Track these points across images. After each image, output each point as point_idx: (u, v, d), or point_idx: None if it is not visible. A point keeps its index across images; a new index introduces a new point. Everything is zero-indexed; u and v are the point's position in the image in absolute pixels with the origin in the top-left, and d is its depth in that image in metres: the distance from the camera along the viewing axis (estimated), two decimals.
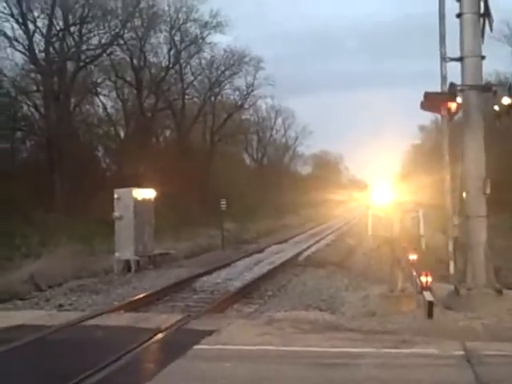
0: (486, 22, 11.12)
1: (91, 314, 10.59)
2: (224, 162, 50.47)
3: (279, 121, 68.32)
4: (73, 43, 34.88)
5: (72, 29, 34.75)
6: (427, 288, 9.37)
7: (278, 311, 11.32)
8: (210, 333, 8.79)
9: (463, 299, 10.69)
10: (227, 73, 46.82)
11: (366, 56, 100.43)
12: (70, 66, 34.82)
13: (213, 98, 47.89)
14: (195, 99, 46.79)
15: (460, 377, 6.89)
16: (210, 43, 43.10)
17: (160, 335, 8.84)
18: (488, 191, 10.98)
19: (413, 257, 9.65)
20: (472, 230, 11.00)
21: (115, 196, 18.52)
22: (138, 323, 9.72)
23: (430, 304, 8.99)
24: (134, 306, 11.80)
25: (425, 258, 14.31)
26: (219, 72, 46.30)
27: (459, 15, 11.15)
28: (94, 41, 36.21)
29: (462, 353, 7.76)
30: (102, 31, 36.43)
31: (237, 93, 49.92)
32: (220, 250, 25.18)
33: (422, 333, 8.97)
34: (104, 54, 36.74)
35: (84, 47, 35.61)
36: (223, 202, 26.22)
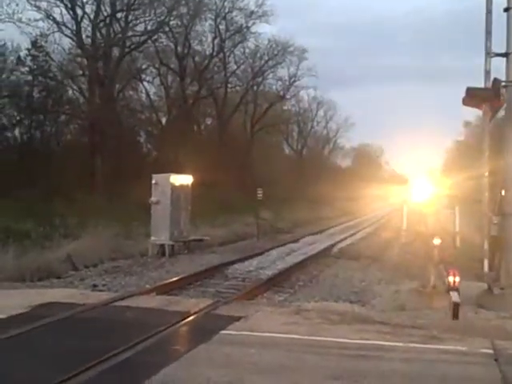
0: None
1: (123, 295, 10.77)
2: (264, 151, 50.54)
3: (321, 112, 68.18)
4: (119, 29, 35.37)
5: (119, 15, 35.26)
6: (454, 288, 9.18)
7: (308, 301, 11.32)
8: (238, 319, 8.87)
9: (496, 298, 10.51)
10: (270, 63, 46.96)
11: (414, 50, 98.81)
12: (116, 51, 35.33)
13: (255, 88, 48.00)
14: (237, 88, 46.90)
15: (486, 375, 6.79)
16: (254, 33, 43.35)
17: (188, 319, 8.94)
18: None
19: (437, 241, 9.43)
20: (509, 228, 10.78)
21: (153, 181, 18.76)
22: (167, 306, 9.85)
23: (456, 305, 8.84)
24: (165, 290, 11.95)
25: (460, 255, 14.19)
26: (262, 62, 46.44)
27: (507, 9, 10.87)
28: (140, 27, 36.73)
29: (490, 351, 7.65)
30: (148, 18, 36.82)
31: (279, 83, 50.07)
32: (255, 239, 25.23)
33: (451, 330, 8.85)
34: (149, 41, 37.15)
35: (130, 33, 36.04)
36: (260, 192, 26.25)
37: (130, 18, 35.60)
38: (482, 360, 7.35)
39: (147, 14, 36.44)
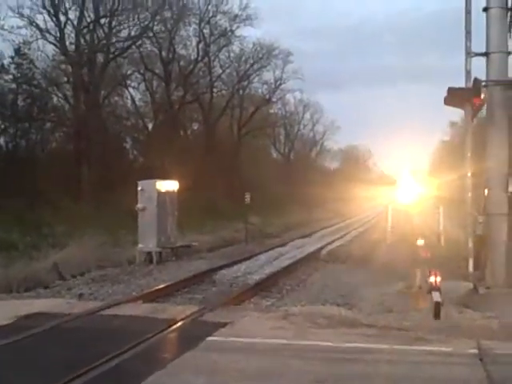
0: None
1: (109, 304, 10.73)
2: (251, 155, 50.56)
3: (307, 115, 68.22)
4: (103, 35, 35.27)
5: (102, 21, 35.19)
6: (436, 288, 9.22)
7: (295, 306, 11.31)
8: (224, 325, 8.86)
9: (482, 298, 10.58)
10: (256, 66, 47.05)
11: (398, 51, 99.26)
12: (100, 57, 35.23)
13: (241, 92, 48.03)
14: (223, 92, 46.92)
15: (471, 375, 6.82)
16: (239, 36, 43.36)
17: (175, 326, 8.92)
18: (510, 189, 10.82)
19: (420, 242, 9.48)
20: (493, 227, 10.87)
21: (139, 188, 18.70)
22: (154, 313, 9.82)
23: (437, 305, 8.88)
24: (152, 297, 11.91)
25: (446, 254, 14.28)
26: (248, 65, 46.47)
27: (486, 9, 10.99)
28: (124, 33, 36.70)
29: (475, 351, 7.69)
30: (131, 23, 36.81)
31: (265, 86, 50.10)
32: (243, 244, 25.22)
33: (437, 331, 8.89)
34: (133, 47, 37.12)
35: (114, 39, 35.99)
36: (247, 196, 26.25)
37: (114, 23, 35.58)
38: (468, 360, 7.38)
39: (131, 20, 36.47)
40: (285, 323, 9.17)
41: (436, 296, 8.89)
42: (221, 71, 45.45)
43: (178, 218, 20.18)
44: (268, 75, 49.27)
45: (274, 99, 52.70)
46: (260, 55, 46.41)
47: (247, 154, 49.57)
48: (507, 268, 10.73)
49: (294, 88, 53.20)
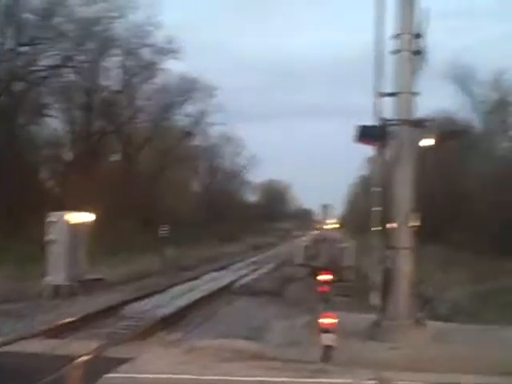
0: (421, 59, 11.43)
1: (8, 340, 10.23)
2: (171, 188, 50.20)
3: (229, 148, 68.60)
4: (22, 63, 34.36)
5: (23, 49, 34.27)
6: (326, 330, 9.20)
7: (203, 339, 11.17)
8: (125, 361, 8.62)
9: (385, 330, 10.81)
10: (179, 99, 46.89)
11: (322, 89, 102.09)
12: (19, 85, 34.26)
13: (163, 124, 47.77)
14: (145, 124, 46.51)
15: None
16: (163, 69, 43.11)
17: (74, 362, 8.59)
18: (412, 223, 11.19)
19: (323, 277, 9.51)
20: (397, 261, 11.17)
21: (49, 219, 18.15)
22: (54, 350, 9.45)
23: (326, 348, 8.90)
24: (55, 333, 11.46)
25: (356, 287, 14.57)
26: (171, 98, 46.30)
27: (394, 52, 11.45)
28: (45, 62, 35.86)
29: (374, 382, 7.81)
30: (53, 53, 36.09)
31: (187, 119, 50.03)
32: (158, 276, 24.84)
33: (339, 362, 9.01)
34: (54, 76, 36.37)
35: (34, 68, 35.14)
36: (164, 228, 25.98)
37: (35, 51, 34.76)
38: None
39: (52, 49, 35.74)
40: (189, 358, 9.04)
41: (326, 338, 8.86)
42: (143, 103, 45.07)
43: (91, 250, 19.67)
44: (191, 108, 49.40)
45: (196, 132, 52.72)
46: (183, 88, 46.45)
47: (168, 186, 49.16)
48: (409, 301, 11.01)
49: (217, 121, 53.50)
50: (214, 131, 59.22)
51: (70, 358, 8.73)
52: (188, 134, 51.28)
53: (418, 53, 11.19)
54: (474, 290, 21.05)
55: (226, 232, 51.64)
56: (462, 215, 32.42)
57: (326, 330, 9.13)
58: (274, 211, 67.44)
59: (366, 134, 11.16)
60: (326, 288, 9.68)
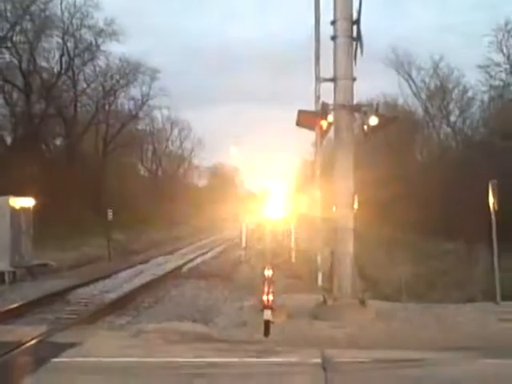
0: (358, 45, 11.65)
1: None
2: (118, 172, 49.60)
3: (175, 132, 68.13)
4: None
5: None
6: (268, 307, 9.48)
7: (150, 323, 11.21)
8: (72, 345, 8.57)
9: (329, 309, 11.08)
10: (122, 82, 46.33)
11: (264, 73, 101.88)
12: None
13: (107, 107, 47.06)
14: (88, 107, 45.71)
15: (312, 383, 7.14)
16: (104, 51, 42.44)
17: (19, 348, 8.52)
18: (354, 206, 11.47)
19: (268, 272, 9.71)
20: (339, 242, 11.44)
21: None
22: None
23: (266, 323, 9.14)
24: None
25: (299, 268, 14.85)
26: (114, 81, 45.65)
27: (333, 38, 11.63)
28: None
29: (319, 360, 8.02)
30: None
31: (131, 102, 49.46)
32: (106, 261, 24.66)
33: (286, 342, 9.22)
34: None
35: None
36: (110, 212, 25.75)
37: None
38: (310, 369, 7.69)
39: None
40: (136, 341, 9.07)
41: (266, 314, 9.10)
42: (85, 85, 44.25)
43: (38, 235, 19.36)
44: (135, 91, 48.82)
45: (140, 115, 52.18)
46: (127, 71, 45.87)
47: (114, 170, 48.55)
48: (353, 280, 11.31)
49: (162, 105, 53.09)
50: (160, 115, 58.88)
51: (16, 344, 8.65)
52: (132, 118, 50.65)
53: (354, 39, 11.36)
54: (418, 271, 21.74)
55: (174, 216, 51.42)
56: (407, 198, 33.26)
57: (265, 306, 9.34)
58: (223, 195, 67.33)
59: (306, 119, 11.33)
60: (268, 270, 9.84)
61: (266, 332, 8.81)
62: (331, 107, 11.38)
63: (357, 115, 11.69)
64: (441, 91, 36.36)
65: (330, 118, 11.27)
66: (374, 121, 11.21)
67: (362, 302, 11.25)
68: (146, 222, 42.94)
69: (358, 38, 11.48)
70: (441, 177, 30.51)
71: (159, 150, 64.73)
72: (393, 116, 29.42)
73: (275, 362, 7.99)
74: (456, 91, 36.15)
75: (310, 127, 11.58)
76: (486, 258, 16.04)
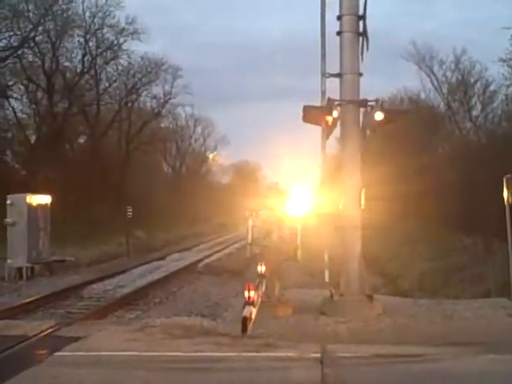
0: (365, 41, 11.58)
1: None
2: (141, 169, 49.97)
3: (198, 130, 68.42)
4: None
5: None
6: (250, 302, 9.43)
7: (158, 318, 11.33)
8: (77, 339, 8.73)
9: (336, 305, 11.07)
10: (144, 80, 46.58)
11: (289, 70, 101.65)
12: None
13: (129, 105, 47.45)
14: (111, 106, 46.11)
15: (307, 378, 7.14)
16: (126, 50, 42.77)
17: (24, 343, 8.69)
18: (363, 202, 11.42)
19: (262, 268, 9.71)
20: (347, 239, 11.41)
21: (8, 202, 18.10)
22: (5, 330, 9.50)
23: (244, 319, 9.10)
24: (9, 314, 11.52)
25: (309, 265, 14.86)
26: (136, 79, 45.97)
27: (339, 33, 11.58)
28: (4, 42, 35.39)
29: (318, 355, 8.03)
30: (11, 33, 35.61)
31: (154, 100, 49.78)
32: (125, 258, 24.93)
33: (288, 337, 9.24)
34: (13, 56, 35.86)
35: None
36: (129, 210, 26.01)
37: None
38: (309, 364, 7.70)
39: (11, 29, 35.21)
40: (140, 335, 9.16)
41: (245, 311, 9.06)
42: (108, 84, 44.68)
43: (59, 232, 19.68)
44: (157, 89, 49.13)
45: (163, 113, 52.51)
46: (149, 69, 46.12)
47: (137, 169, 48.94)
48: (360, 276, 11.28)
49: (185, 103, 53.38)
50: (183, 113, 59.20)
51: (21, 338, 8.84)
52: (155, 116, 50.99)
53: (360, 34, 11.29)
54: (436, 266, 21.60)
55: (196, 213, 51.66)
56: (429, 193, 32.97)
57: (247, 302, 9.33)
58: (246, 191, 67.46)
59: (312, 114, 11.30)
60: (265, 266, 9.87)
61: (244, 329, 8.77)
62: (337, 102, 11.36)
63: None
64: (462, 85, 35.91)
65: (336, 113, 11.23)
66: (379, 116, 11.14)
67: (370, 298, 11.23)
68: (167, 219, 43.21)
69: (364, 33, 11.42)
70: (462, 171, 30.12)
71: (182, 147, 65.04)
72: (401, 110, 29.22)
73: (273, 357, 8.01)
74: (478, 85, 35.71)
75: (316, 123, 11.55)
76: (503, 253, 15.85)
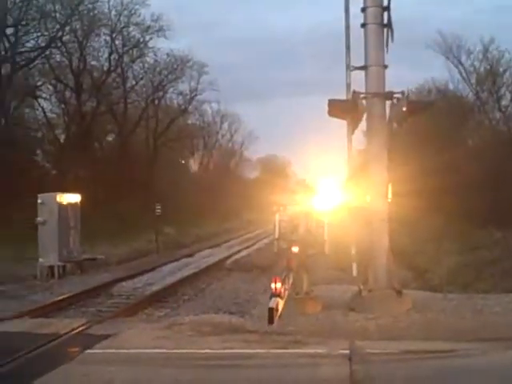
0: (389, 33, 11.45)
1: None
2: (169, 166, 50.26)
3: (225, 126, 68.54)
4: (9, 45, 34.30)
5: (8, 30, 34.18)
6: (277, 294, 9.37)
7: (187, 315, 11.41)
8: (107, 337, 8.85)
9: (365, 300, 11.00)
10: (170, 77, 46.82)
11: (316, 64, 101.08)
12: (7, 68, 34.21)
13: (156, 102, 47.77)
14: (137, 103, 46.47)
15: (335, 374, 7.14)
16: (152, 47, 43.04)
17: (56, 340, 8.83)
18: (390, 196, 11.32)
19: (295, 249, 9.66)
20: (374, 233, 11.32)
21: (39, 201, 18.36)
22: (38, 329, 9.68)
23: (270, 310, 9.05)
24: (42, 312, 11.72)
25: (337, 259, 14.76)
26: (162, 76, 46.22)
27: (363, 25, 11.48)
28: (32, 43, 35.93)
29: (347, 352, 8.00)
30: (39, 34, 36.09)
31: (180, 97, 50.02)
32: (155, 255, 25.13)
33: (317, 333, 9.22)
34: (42, 57, 36.37)
35: (20, 49, 35.10)
36: (158, 207, 26.20)
37: (20, 33, 34.70)
38: (337, 361, 7.69)
39: (38, 29, 35.70)
40: (169, 333, 9.24)
41: (272, 302, 9.02)
42: (134, 82, 45.01)
43: (90, 230, 19.92)
44: (183, 86, 49.33)
45: (190, 110, 52.73)
46: (174, 66, 46.30)
47: (164, 165, 49.23)
48: (388, 271, 11.19)
49: (211, 99, 53.52)
50: (209, 109, 59.36)
51: (53, 336, 8.99)
52: (182, 112, 51.24)
53: (385, 26, 11.17)
54: (466, 261, 21.28)
55: (225, 209, 51.80)
56: (458, 186, 32.58)
57: (274, 294, 9.28)
58: (275, 186, 67.36)
59: (337, 108, 11.21)
60: (292, 260, 9.84)
61: (270, 320, 8.75)
62: (362, 95, 11.27)
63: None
64: (491, 75, 35.32)
65: (361, 106, 11.13)
66: (405, 108, 11.02)
67: (399, 293, 11.13)
68: (197, 215, 43.40)
69: (389, 24, 11.28)
70: (492, 163, 29.69)
71: (210, 143, 65.26)
72: (428, 101, 28.83)
73: (302, 354, 8.01)
74: (507, 74, 35.12)
75: (342, 116, 11.47)
76: None
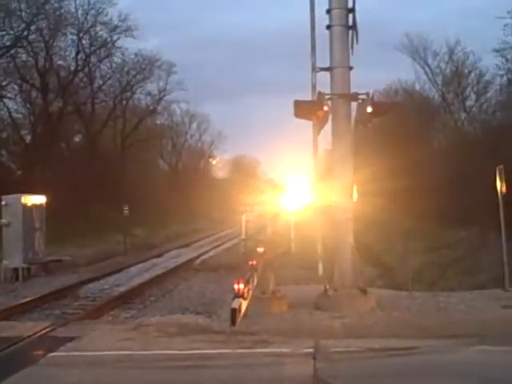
0: (354, 34, 11.57)
1: None
2: (138, 167, 49.95)
3: (194, 126, 68.38)
4: None
5: None
6: (240, 295, 9.36)
7: (154, 316, 11.36)
8: (71, 339, 8.77)
9: (331, 299, 11.08)
10: (138, 77, 46.57)
11: (283, 64, 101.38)
12: None
13: (124, 102, 47.40)
14: (105, 103, 46.04)
15: (299, 373, 7.19)
16: (120, 47, 42.69)
17: (19, 344, 8.71)
18: (355, 196, 11.43)
19: (260, 249, 9.70)
20: (340, 232, 11.43)
21: (2, 203, 18.11)
22: (1, 332, 9.54)
23: (233, 311, 9.06)
24: (6, 315, 11.54)
25: (304, 258, 14.85)
26: (130, 76, 45.91)
27: (329, 27, 11.57)
28: None
29: (311, 350, 8.07)
30: (4, 32, 35.53)
31: (148, 97, 49.75)
32: (123, 256, 24.95)
33: (282, 333, 9.26)
34: (6, 56, 35.79)
35: None
36: (126, 208, 26.02)
37: None
38: (301, 359, 7.75)
39: (3, 28, 35.14)
40: (135, 334, 9.20)
41: (234, 303, 9.04)
42: (102, 82, 44.55)
43: (57, 232, 19.69)
44: (152, 86, 49.08)
45: (158, 110, 52.48)
46: (142, 66, 46.05)
47: (134, 166, 48.92)
48: (353, 270, 11.30)
49: (180, 99, 53.36)
50: (178, 109, 59.14)
51: (16, 339, 8.86)
52: (150, 112, 50.96)
53: (350, 27, 11.28)
54: (431, 259, 21.59)
55: (195, 209, 51.66)
56: (424, 187, 32.99)
57: (236, 295, 9.27)
58: (244, 186, 67.45)
59: (303, 109, 11.28)
60: (257, 260, 9.88)
61: (233, 321, 8.74)
62: (328, 96, 11.35)
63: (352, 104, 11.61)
64: (456, 76, 35.89)
65: (326, 107, 11.21)
66: (370, 109, 11.12)
67: (363, 292, 11.25)
68: (166, 216, 43.20)
69: (354, 26, 11.41)
70: (457, 163, 30.11)
71: (178, 143, 65.02)
72: (393, 102, 29.20)
73: (267, 353, 8.05)
74: (472, 76, 35.71)
75: (308, 117, 11.54)
76: (498, 244, 15.89)
